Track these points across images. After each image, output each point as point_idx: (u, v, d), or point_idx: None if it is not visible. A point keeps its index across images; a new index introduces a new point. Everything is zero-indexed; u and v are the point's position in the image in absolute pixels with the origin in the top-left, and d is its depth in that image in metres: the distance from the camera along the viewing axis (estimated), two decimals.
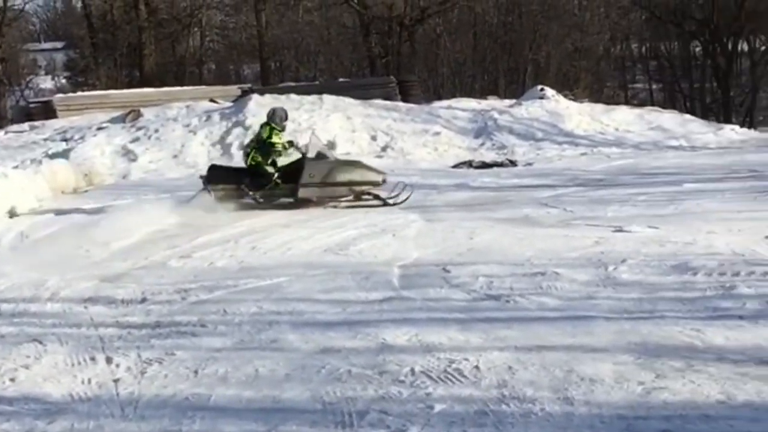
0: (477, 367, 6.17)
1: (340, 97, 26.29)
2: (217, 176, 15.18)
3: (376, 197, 14.91)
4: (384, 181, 15.09)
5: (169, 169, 22.02)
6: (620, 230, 11.02)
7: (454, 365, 6.23)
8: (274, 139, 15.03)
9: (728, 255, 9.21)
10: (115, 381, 6.43)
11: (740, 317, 6.97)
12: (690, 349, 6.29)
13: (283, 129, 15.35)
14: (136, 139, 24.00)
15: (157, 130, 24.41)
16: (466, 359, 6.32)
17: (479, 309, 7.68)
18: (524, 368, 6.10)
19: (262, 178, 15.00)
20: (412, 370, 6.18)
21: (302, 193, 14.92)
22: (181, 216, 13.87)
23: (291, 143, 15.36)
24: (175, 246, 11.87)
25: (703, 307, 7.32)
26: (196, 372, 6.47)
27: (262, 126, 15.35)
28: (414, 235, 11.78)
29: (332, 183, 14.90)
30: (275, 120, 15.22)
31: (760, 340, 6.38)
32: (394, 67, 36.84)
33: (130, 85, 38.72)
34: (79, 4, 48.67)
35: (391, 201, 14.75)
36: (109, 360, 6.89)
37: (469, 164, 18.32)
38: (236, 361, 6.64)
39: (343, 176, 14.96)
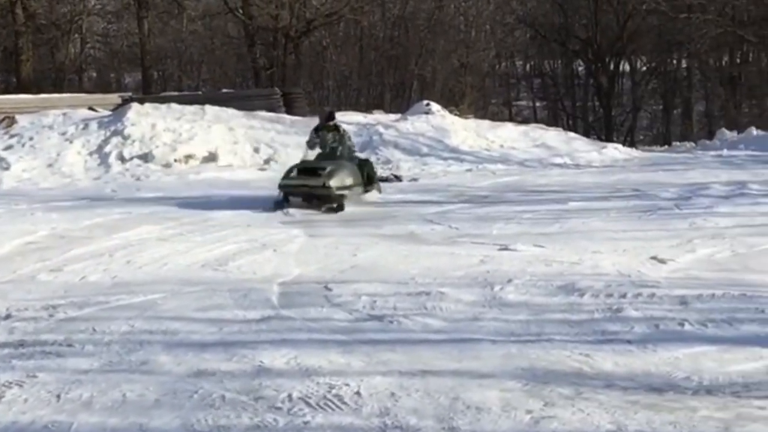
0: (358, 392, 5.85)
1: (223, 108, 25.82)
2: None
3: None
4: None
5: (44, 179, 21.29)
6: (506, 248, 10.87)
7: (334, 391, 5.90)
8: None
9: (615, 276, 9.11)
10: None
11: (629, 341, 6.79)
12: (579, 375, 6.06)
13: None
14: (9, 147, 23.16)
15: (31, 138, 23.62)
16: (347, 384, 6.00)
17: (362, 330, 7.38)
18: (408, 395, 5.80)
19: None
20: (290, 396, 5.84)
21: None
22: (54, 228, 13.39)
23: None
24: (46, 259, 11.36)
25: (591, 330, 7.13)
26: (58, 396, 6.03)
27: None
28: (296, 250, 11.47)
29: None
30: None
31: (649, 366, 6.19)
32: (279, 79, 36.42)
33: (5, 92, 37.53)
34: None
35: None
36: None
37: None
38: (103, 384, 6.22)
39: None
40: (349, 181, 15.55)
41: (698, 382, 5.87)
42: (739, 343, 6.67)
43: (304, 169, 15.83)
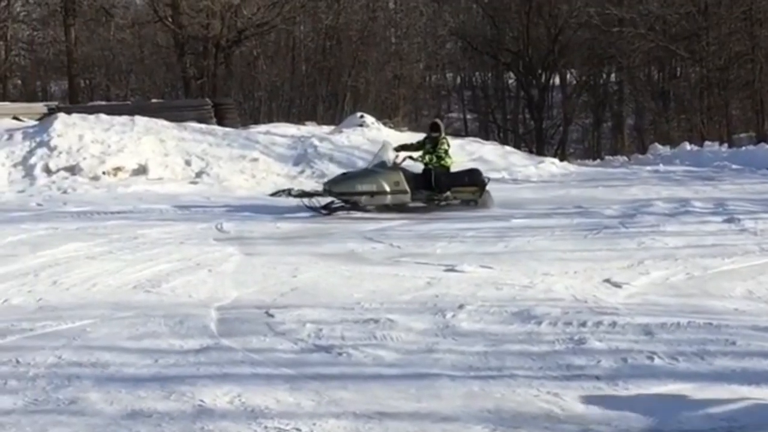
0: None
1: (153, 119, 25.19)
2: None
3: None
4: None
5: None
6: (452, 269, 10.47)
7: None
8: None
9: (570, 301, 8.71)
10: None
11: (597, 378, 6.35)
12: (550, 418, 5.59)
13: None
14: None
15: None
16: (298, 429, 5.49)
17: (309, 363, 6.87)
18: None
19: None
20: None
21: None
22: None
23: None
24: None
25: (555, 364, 6.68)
26: None
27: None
28: (232, 270, 10.96)
29: None
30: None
31: (623, 407, 5.73)
32: (210, 90, 35.80)
33: None
34: None
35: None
36: None
37: (288, 193, 17.57)
38: (27, 429, 5.65)
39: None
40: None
41: (678, 428, 5.44)
42: (715, 380, 6.25)
43: None
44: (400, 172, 16.69)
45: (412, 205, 16.76)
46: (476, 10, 48.71)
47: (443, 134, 17.46)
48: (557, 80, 47.37)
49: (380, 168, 16.76)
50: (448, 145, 17.41)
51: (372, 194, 16.45)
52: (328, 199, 16.83)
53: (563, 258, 11.20)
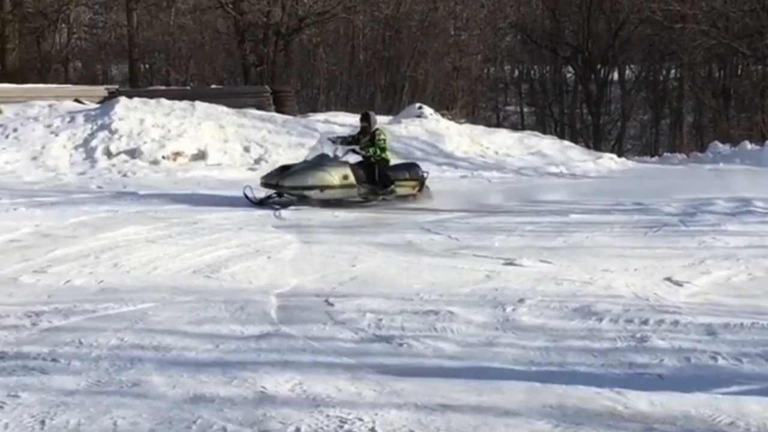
0: (373, 429, 5.34)
1: (213, 105, 25.30)
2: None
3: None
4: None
5: (27, 172, 20.77)
6: (511, 263, 10.42)
7: (346, 426, 5.37)
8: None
9: (631, 299, 8.63)
10: None
11: (660, 376, 6.29)
12: (613, 416, 5.53)
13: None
14: None
15: (16, 129, 23.07)
16: (360, 419, 5.48)
17: (370, 353, 6.86)
18: None
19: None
20: (298, 431, 5.33)
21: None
22: (38, 225, 12.90)
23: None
24: (29, 259, 10.87)
25: (617, 361, 6.62)
26: (42, 422, 5.50)
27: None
28: (291, 258, 10.99)
29: None
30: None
31: (687, 407, 5.66)
32: (268, 77, 35.88)
33: None
34: None
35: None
36: None
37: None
38: (91, 409, 5.69)
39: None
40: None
41: (745, 428, 5.38)
42: None
43: None
44: (347, 165, 16.51)
45: (355, 199, 16.54)
46: (536, 3, 48.43)
47: (375, 126, 17.05)
48: (616, 75, 46.93)
49: (326, 161, 16.48)
50: (385, 137, 17.05)
51: (322, 188, 16.12)
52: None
53: (623, 255, 11.10)
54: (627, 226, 13.60)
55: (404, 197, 16.70)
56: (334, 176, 16.18)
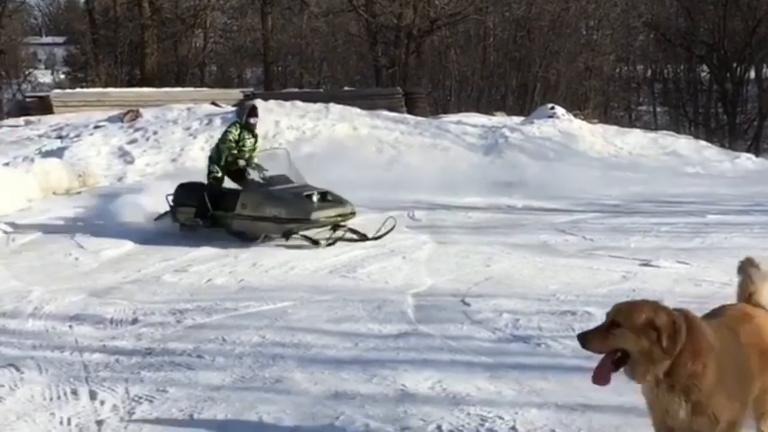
0: (514, 428, 5.37)
1: (347, 107, 25.51)
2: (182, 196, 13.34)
3: (353, 231, 12.73)
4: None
5: (167, 174, 21.22)
6: (648, 264, 10.32)
7: (487, 425, 5.43)
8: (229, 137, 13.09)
9: None
10: (99, 423, 5.65)
11: None
12: None
13: (246, 127, 13.26)
14: (133, 141, 23.15)
15: (155, 132, 23.59)
16: (501, 417, 5.52)
17: (508, 352, 6.90)
18: None
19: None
20: (439, 428, 5.39)
21: (236, 225, 12.77)
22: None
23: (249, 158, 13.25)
24: (170, 258, 11.21)
25: None
26: (191, 416, 5.69)
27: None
28: (426, 258, 11.08)
29: (261, 217, 12.51)
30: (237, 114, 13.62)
31: None
32: (400, 78, 36.06)
33: (129, 84, 37.93)
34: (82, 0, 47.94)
35: (370, 236, 12.47)
36: (93, 395, 6.13)
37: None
38: (237, 404, 5.86)
39: (272, 210, 12.44)
40: None
41: None
42: None
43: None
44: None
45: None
46: (671, 1, 47.70)
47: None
48: (753, 74, 45.94)
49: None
50: (234, 137, 13.30)
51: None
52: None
53: (764, 257, 10.84)
54: (767, 228, 13.32)
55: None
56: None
